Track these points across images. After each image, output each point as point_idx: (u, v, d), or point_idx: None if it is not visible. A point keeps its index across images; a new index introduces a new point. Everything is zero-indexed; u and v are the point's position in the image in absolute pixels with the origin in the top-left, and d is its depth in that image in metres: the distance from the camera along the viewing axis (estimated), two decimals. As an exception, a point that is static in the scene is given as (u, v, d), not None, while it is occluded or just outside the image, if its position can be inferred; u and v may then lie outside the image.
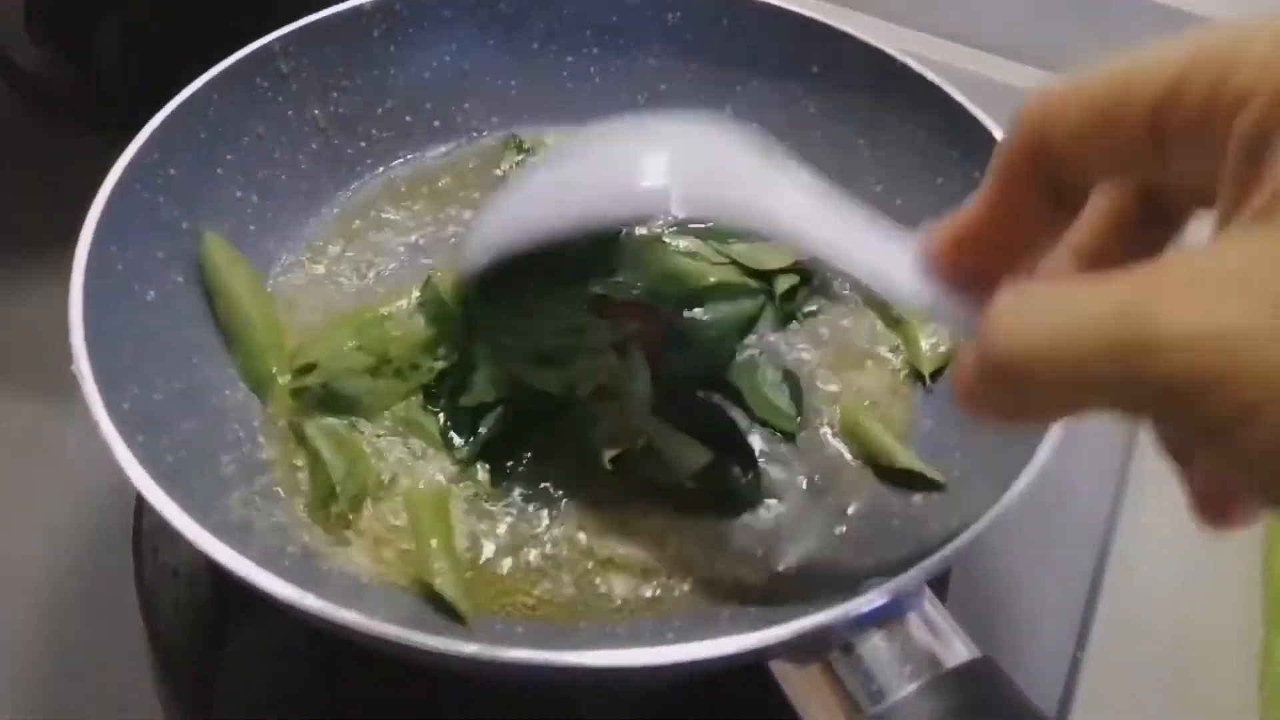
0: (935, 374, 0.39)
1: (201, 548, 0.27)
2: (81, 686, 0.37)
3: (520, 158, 0.46)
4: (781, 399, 0.37)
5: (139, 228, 0.36)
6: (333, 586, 0.30)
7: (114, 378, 0.31)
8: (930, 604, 0.27)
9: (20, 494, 0.41)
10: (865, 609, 0.26)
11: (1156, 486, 0.44)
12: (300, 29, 0.42)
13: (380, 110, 0.45)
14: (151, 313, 0.35)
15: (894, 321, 0.41)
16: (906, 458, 0.35)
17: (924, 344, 0.40)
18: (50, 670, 0.37)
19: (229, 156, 0.40)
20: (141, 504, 0.38)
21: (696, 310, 0.39)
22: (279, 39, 0.41)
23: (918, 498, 0.34)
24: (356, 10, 0.43)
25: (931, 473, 0.35)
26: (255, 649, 0.35)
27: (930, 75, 0.42)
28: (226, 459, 0.34)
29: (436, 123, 0.46)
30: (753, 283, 0.41)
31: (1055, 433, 0.30)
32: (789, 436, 0.37)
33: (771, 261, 0.41)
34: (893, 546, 0.32)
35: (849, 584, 0.29)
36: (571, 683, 0.28)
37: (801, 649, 0.26)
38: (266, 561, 0.28)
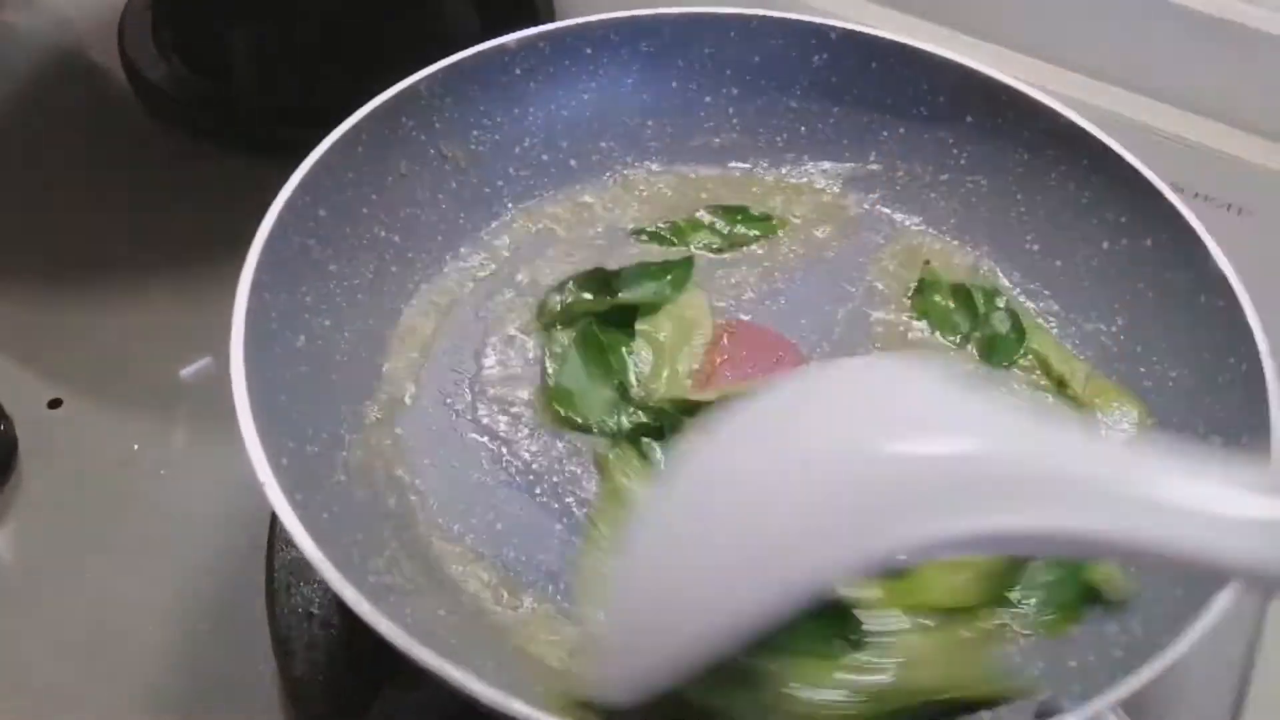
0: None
1: (365, 618, 0.27)
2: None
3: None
4: None
5: (291, 273, 0.36)
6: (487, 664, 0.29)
7: (272, 431, 0.30)
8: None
9: (157, 523, 0.42)
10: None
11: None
12: (447, 67, 0.41)
13: (518, 149, 0.45)
14: (302, 360, 0.35)
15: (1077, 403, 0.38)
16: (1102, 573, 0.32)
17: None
18: (181, 704, 0.37)
19: (374, 196, 0.40)
20: (273, 538, 0.38)
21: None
22: (425, 79, 0.41)
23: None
24: (500, 49, 0.43)
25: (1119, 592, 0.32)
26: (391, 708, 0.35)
27: (1098, 133, 0.40)
28: (374, 515, 0.33)
29: (573, 162, 0.46)
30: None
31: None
32: None
33: None
34: (1072, 646, 0.31)
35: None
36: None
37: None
38: (424, 632, 0.27)
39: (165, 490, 0.42)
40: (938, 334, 0.41)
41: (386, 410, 0.37)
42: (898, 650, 0.30)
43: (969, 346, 0.40)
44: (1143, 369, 0.38)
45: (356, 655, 0.35)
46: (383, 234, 0.40)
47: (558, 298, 0.41)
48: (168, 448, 0.44)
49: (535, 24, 0.45)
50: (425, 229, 0.42)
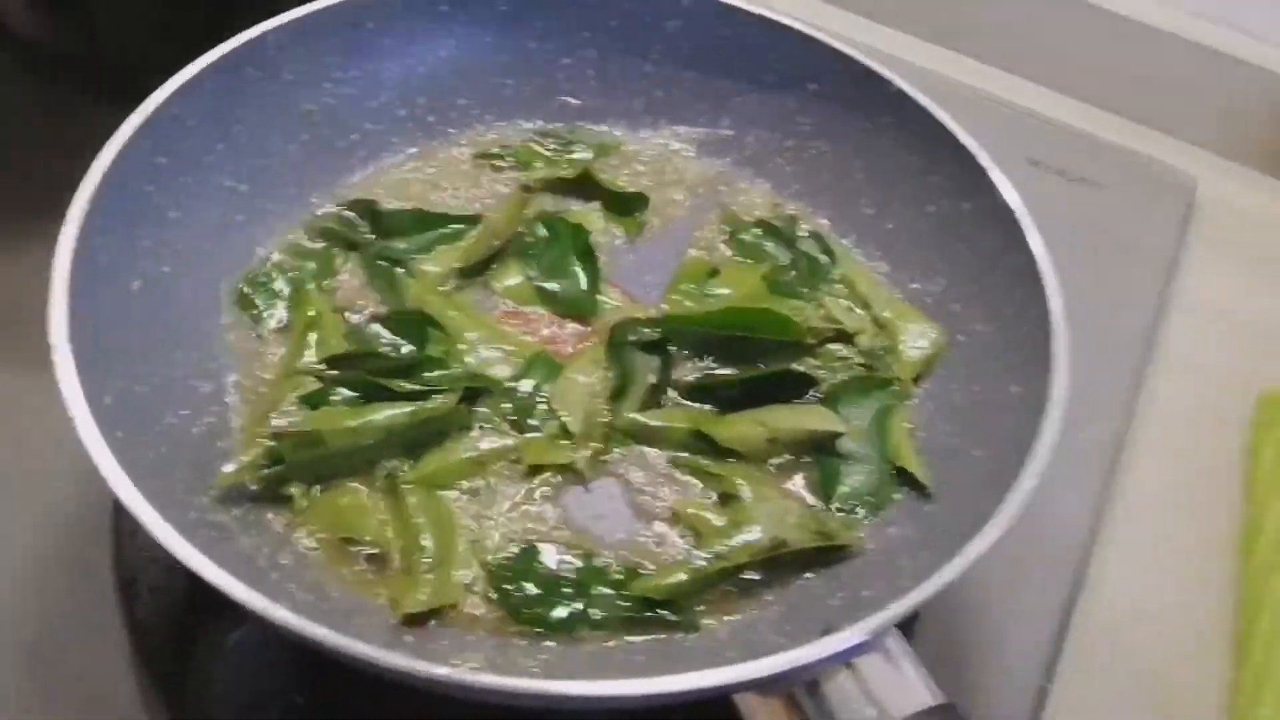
0: (915, 380, 0.39)
1: (176, 554, 0.27)
2: (58, 671, 0.37)
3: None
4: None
5: (126, 216, 0.36)
6: (302, 598, 0.30)
7: (95, 370, 0.30)
8: (897, 644, 0.28)
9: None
10: (835, 649, 0.26)
11: (1135, 515, 0.45)
12: (295, 20, 0.41)
13: (374, 104, 0.45)
14: (136, 302, 0.35)
15: (879, 324, 0.41)
16: (914, 464, 0.36)
17: (908, 351, 0.40)
18: (26, 655, 0.37)
19: (219, 145, 0.40)
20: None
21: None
22: (273, 30, 0.41)
23: (892, 530, 0.35)
24: (352, 3, 0.43)
25: (924, 477, 0.36)
26: (232, 642, 0.35)
27: (923, 99, 0.42)
28: (208, 453, 0.34)
29: (430, 118, 0.46)
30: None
31: (1038, 464, 0.31)
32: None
33: None
34: (866, 578, 0.33)
35: (818, 618, 0.29)
36: (537, 709, 0.28)
37: (768, 685, 0.26)
38: (242, 566, 0.28)
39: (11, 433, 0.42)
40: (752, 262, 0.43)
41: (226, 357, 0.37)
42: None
43: (791, 273, 0.43)
44: (958, 325, 0.40)
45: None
46: (228, 183, 0.40)
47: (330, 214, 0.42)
48: (13, 391, 0.43)
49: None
50: (275, 179, 0.42)
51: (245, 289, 0.39)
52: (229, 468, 0.33)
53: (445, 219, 0.43)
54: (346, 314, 0.39)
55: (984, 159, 0.40)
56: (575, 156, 0.46)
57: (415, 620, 0.32)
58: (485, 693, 0.26)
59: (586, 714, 0.32)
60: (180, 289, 0.37)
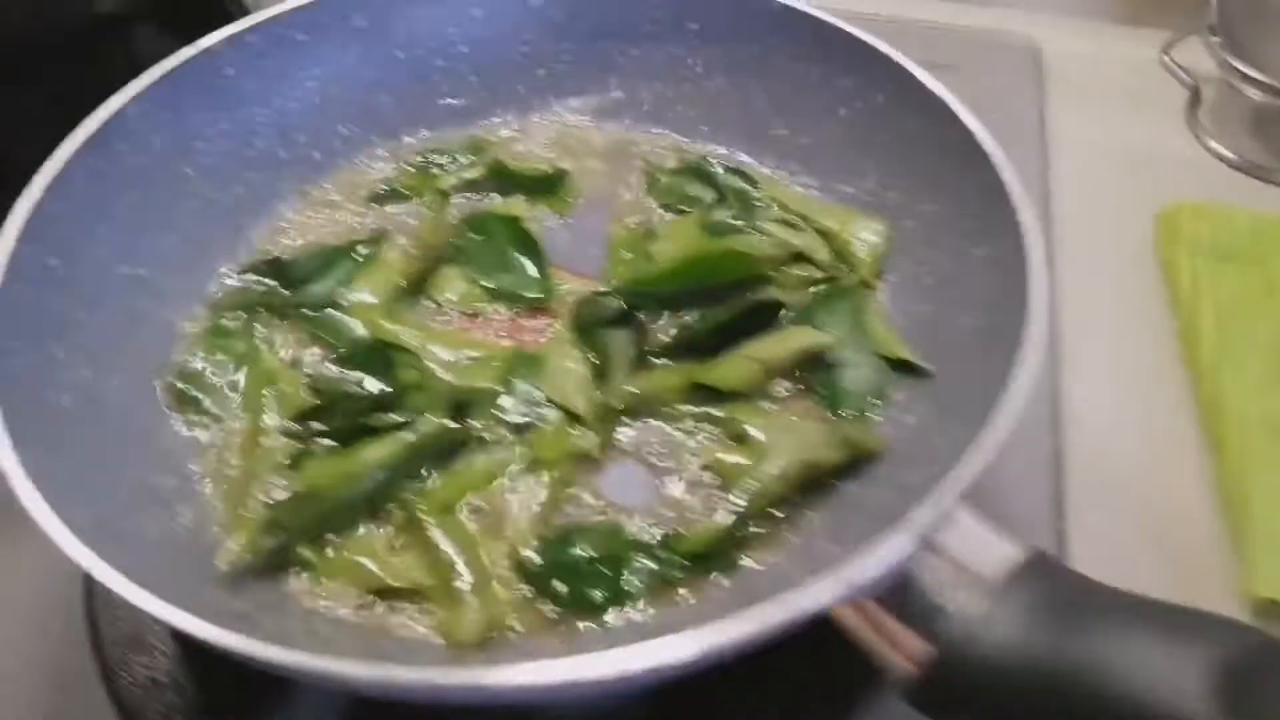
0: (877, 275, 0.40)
1: (222, 644, 0.25)
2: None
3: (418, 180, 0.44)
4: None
5: (33, 330, 0.32)
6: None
7: (65, 505, 0.27)
8: (965, 513, 0.27)
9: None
10: (915, 533, 0.26)
11: (1081, 348, 0.46)
12: (151, 84, 0.38)
13: (251, 152, 0.42)
14: (72, 419, 0.32)
15: (824, 234, 0.41)
16: (902, 349, 0.36)
17: (859, 250, 0.40)
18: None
19: (106, 232, 0.37)
20: (94, 616, 0.35)
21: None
22: (131, 99, 0.38)
23: (909, 418, 0.35)
24: (206, 53, 0.40)
25: (923, 363, 0.35)
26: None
27: (807, 8, 0.42)
28: (202, 548, 0.31)
29: (315, 154, 0.44)
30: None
31: (1039, 318, 0.31)
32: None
33: None
34: (905, 469, 0.33)
35: (872, 520, 0.29)
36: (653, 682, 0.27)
37: (864, 592, 0.25)
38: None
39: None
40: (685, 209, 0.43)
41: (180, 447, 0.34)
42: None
43: (724, 211, 0.42)
44: (904, 213, 0.40)
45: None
46: (127, 270, 0.37)
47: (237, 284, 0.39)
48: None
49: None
50: (173, 255, 0.39)
51: (180, 385, 0.36)
52: (230, 547, 0.30)
53: (350, 247, 0.41)
54: (298, 367, 0.36)
55: (887, 49, 0.40)
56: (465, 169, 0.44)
57: (472, 646, 0.30)
58: (592, 685, 0.24)
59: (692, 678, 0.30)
60: (110, 392, 0.34)
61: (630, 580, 0.31)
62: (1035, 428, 0.43)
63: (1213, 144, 0.55)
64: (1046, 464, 0.42)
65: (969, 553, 0.26)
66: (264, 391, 0.35)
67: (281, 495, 0.32)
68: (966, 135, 0.37)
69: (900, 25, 0.62)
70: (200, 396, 0.36)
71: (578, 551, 0.31)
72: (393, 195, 0.43)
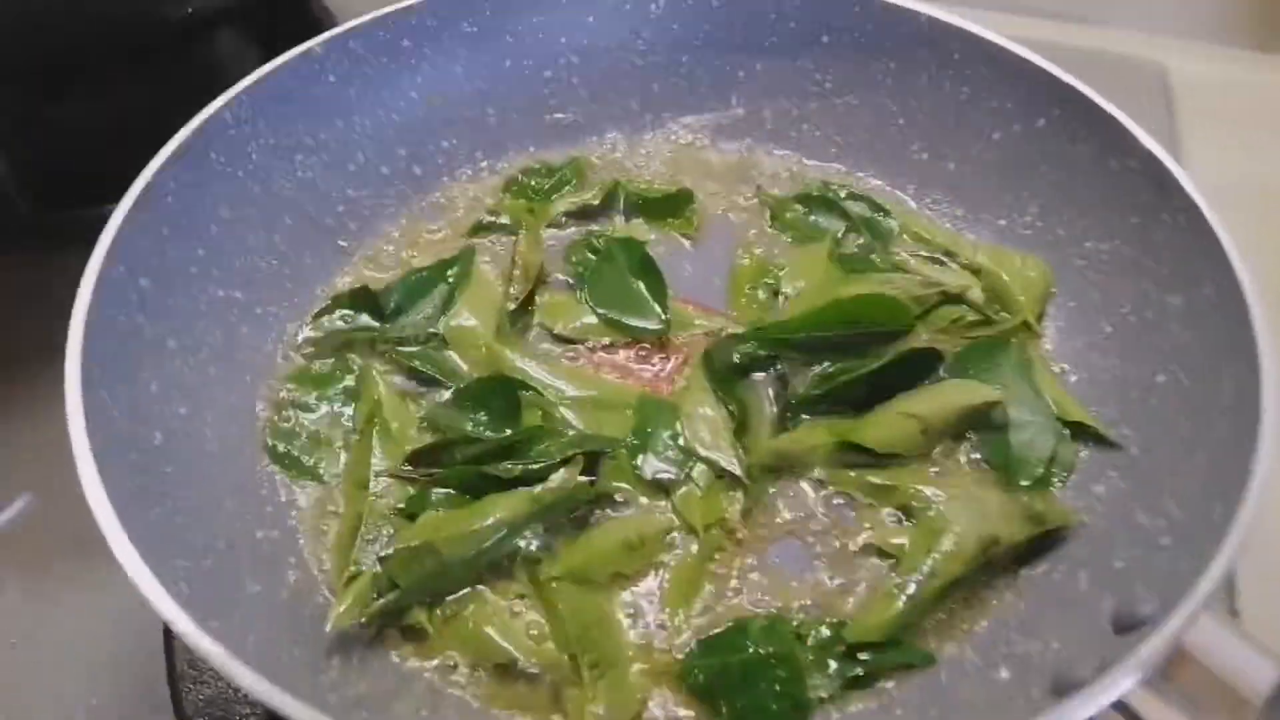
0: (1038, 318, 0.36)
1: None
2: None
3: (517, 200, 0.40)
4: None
5: (125, 360, 0.29)
6: None
7: (160, 560, 0.24)
8: (1211, 618, 0.23)
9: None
10: (1162, 639, 0.22)
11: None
12: (250, 86, 0.35)
13: (352, 166, 0.39)
14: (164, 459, 0.28)
15: (976, 271, 0.37)
16: (1083, 412, 0.32)
17: (1018, 291, 0.36)
18: None
19: (200, 251, 0.34)
20: (175, 684, 0.31)
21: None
22: (228, 103, 0.35)
23: (1098, 488, 0.31)
24: (306, 55, 0.37)
25: (1109, 431, 0.31)
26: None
27: (963, 23, 0.38)
28: (306, 615, 0.27)
29: (417, 169, 0.40)
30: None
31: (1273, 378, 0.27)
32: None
33: None
34: (1107, 548, 0.28)
35: (1072, 605, 0.25)
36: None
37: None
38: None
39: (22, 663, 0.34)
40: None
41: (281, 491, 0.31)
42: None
43: (855, 241, 0.39)
44: (1071, 251, 0.36)
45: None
46: (221, 293, 0.34)
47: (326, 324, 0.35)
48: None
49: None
50: (269, 277, 0.36)
51: (277, 444, 0.32)
52: (338, 610, 0.27)
53: (441, 270, 0.37)
54: (406, 402, 0.33)
55: (1054, 69, 0.36)
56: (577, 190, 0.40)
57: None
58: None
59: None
60: (205, 429, 0.31)
61: (816, 685, 0.27)
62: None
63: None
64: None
65: (1224, 668, 0.22)
66: (372, 431, 0.31)
67: (393, 548, 0.28)
68: (1151, 165, 0.33)
69: (1027, 45, 0.59)
70: (299, 455, 0.32)
71: (745, 655, 0.27)
72: (497, 215, 0.40)
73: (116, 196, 0.31)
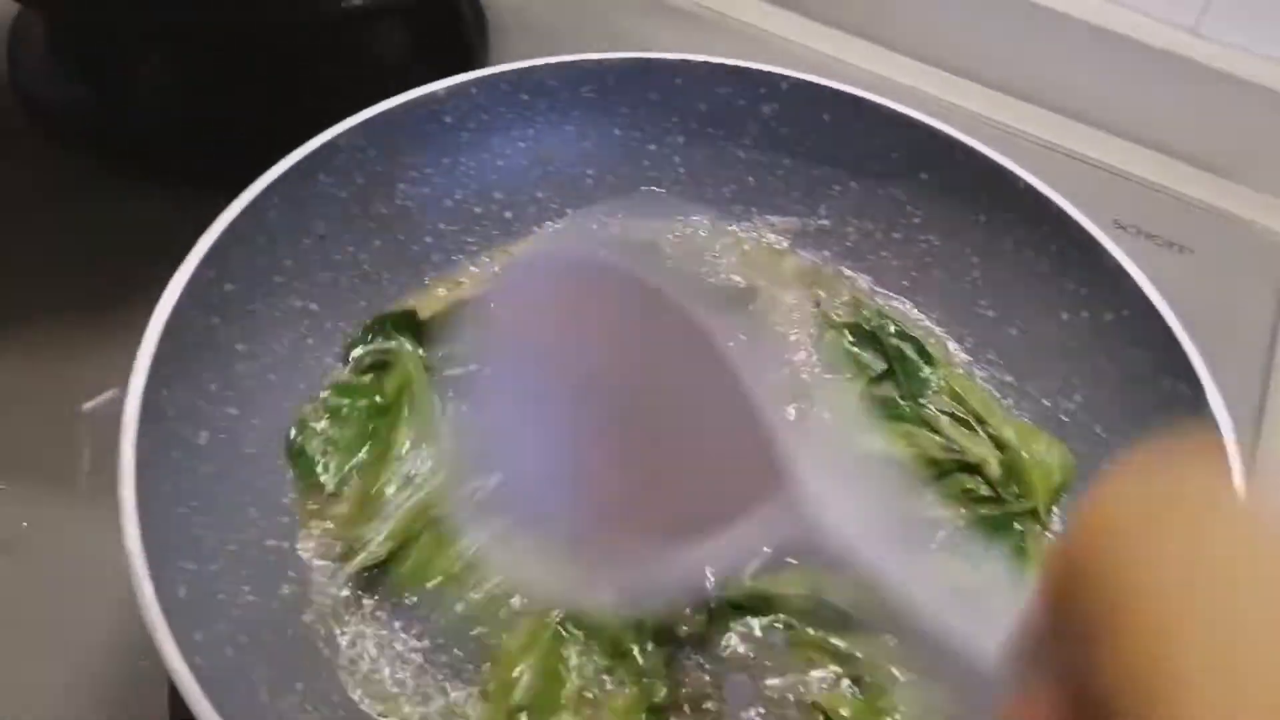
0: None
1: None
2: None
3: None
4: None
5: (192, 361, 0.32)
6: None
7: (168, 562, 0.27)
8: None
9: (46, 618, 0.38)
10: None
11: None
12: (370, 119, 0.38)
13: (449, 202, 0.42)
14: (203, 459, 0.32)
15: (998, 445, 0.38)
16: None
17: (1035, 476, 0.36)
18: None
19: (289, 262, 0.37)
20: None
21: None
22: (347, 133, 0.37)
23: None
24: (429, 98, 0.39)
25: None
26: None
27: (1059, 199, 0.38)
28: (287, 633, 0.31)
29: (508, 214, 0.43)
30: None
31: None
32: None
33: None
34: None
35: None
36: None
37: None
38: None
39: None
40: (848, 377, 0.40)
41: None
42: None
43: (890, 386, 0.39)
44: (1101, 449, 0.36)
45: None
46: (298, 304, 0.37)
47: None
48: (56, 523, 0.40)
49: (469, 62, 0.42)
50: (345, 294, 0.39)
51: (295, 440, 0.35)
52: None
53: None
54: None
55: (1135, 273, 0.36)
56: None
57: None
58: None
59: None
60: (247, 435, 0.34)
61: None
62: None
63: None
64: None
65: None
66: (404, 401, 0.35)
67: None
68: (1197, 394, 0.33)
69: (1140, 187, 0.57)
70: (313, 455, 0.35)
71: None
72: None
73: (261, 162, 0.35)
